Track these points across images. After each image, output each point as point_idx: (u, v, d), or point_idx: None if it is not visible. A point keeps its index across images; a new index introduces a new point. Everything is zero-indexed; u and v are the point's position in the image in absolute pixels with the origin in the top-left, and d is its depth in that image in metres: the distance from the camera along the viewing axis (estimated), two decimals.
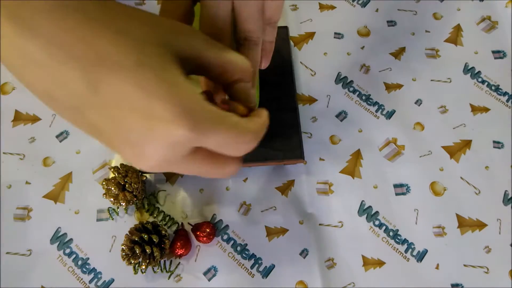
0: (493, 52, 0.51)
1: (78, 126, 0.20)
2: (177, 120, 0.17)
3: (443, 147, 0.46)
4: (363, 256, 0.42)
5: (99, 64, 0.17)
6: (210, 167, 0.22)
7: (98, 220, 0.43)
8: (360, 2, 0.54)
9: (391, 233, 0.43)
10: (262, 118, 0.24)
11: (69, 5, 0.17)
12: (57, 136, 0.46)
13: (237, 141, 0.20)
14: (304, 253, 0.42)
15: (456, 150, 0.46)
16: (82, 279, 0.41)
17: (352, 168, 0.45)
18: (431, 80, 0.50)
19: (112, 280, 0.41)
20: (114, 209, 0.43)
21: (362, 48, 0.51)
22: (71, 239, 0.42)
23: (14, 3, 0.16)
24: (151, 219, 0.43)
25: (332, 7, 0.54)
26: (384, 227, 0.43)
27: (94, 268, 0.41)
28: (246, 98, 0.24)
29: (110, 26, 0.17)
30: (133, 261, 0.38)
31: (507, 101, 0.49)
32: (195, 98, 0.18)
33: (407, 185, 0.44)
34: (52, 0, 0.16)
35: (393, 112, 0.48)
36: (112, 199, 0.40)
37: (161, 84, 0.17)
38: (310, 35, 0.52)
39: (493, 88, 0.49)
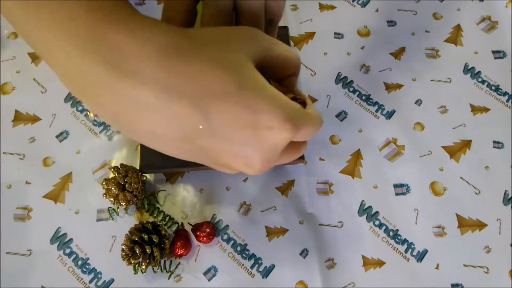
0: (493, 52, 0.51)
1: (181, 154, 0.22)
2: (282, 126, 0.20)
3: (443, 147, 0.46)
4: (363, 256, 0.42)
5: (207, 96, 0.18)
6: (292, 154, 0.24)
7: (98, 220, 0.43)
8: (360, 2, 0.54)
9: (391, 233, 0.43)
10: (307, 99, 0.26)
11: (168, 46, 0.18)
12: (57, 136, 0.46)
13: (317, 129, 0.23)
14: (304, 253, 0.42)
15: (456, 150, 0.46)
16: (82, 279, 0.41)
17: (352, 168, 0.45)
18: (431, 80, 0.50)
19: (112, 280, 0.41)
20: (114, 209, 0.43)
21: (362, 48, 0.51)
22: (71, 239, 0.42)
23: (118, 55, 0.17)
24: (151, 219, 0.43)
25: (332, 7, 0.54)
26: (384, 227, 0.43)
27: (94, 268, 0.41)
28: (293, 89, 0.26)
29: (204, 58, 0.19)
30: (133, 261, 0.38)
31: (507, 101, 0.49)
32: (289, 103, 0.20)
33: (407, 185, 0.44)
34: (151, 46, 0.18)
35: (393, 112, 0.48)
36: (112, 199, 0.40)
37: (262, 99, 0.19)
38: (310, 35, 0.52)
39: (493, 88, 0.49)
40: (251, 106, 0.19)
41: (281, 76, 0.25)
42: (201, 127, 0.19)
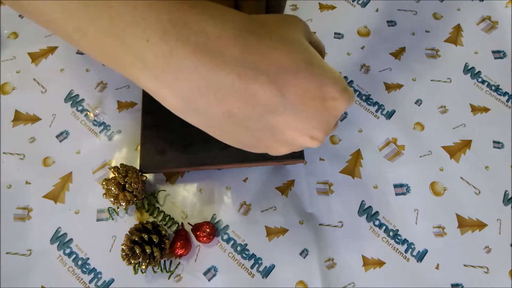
0: (493, 52, 0.51)
1: (245, 136, 0.23)
2: (344, 96, 0.21)
3: (443, 147, 0.46)
4: (363, 256, 0.42)
5: (281, 72, 0.20)
6: (335, 127, 0.26)
7: (98, 220, 0.43)
8: (360, 2, 0.54)
9: (391, 233, 0.43)
10: None
11: (243, 27, 0.19)
12: (57, 136, 0.46)
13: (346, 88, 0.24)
14: (304, 253, 0.42)
15: (456, 150, 0.46)
16: (82, 279, 0.41)
17: (352, 168, 0.45)
18: (431, 80, 0.50)
19: (112, 280, 0.41)
20: (114, 209, 0.43)
21: (362, 48, 0.51)
22: (71, 239, 0.42)
23: (202, 37, 0.18)
24: (151, 219, 0.43)
25: (332, 7, 0.54)
26: (384, 227, 0.43)
27: (94, 268, 0.41)
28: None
29: (272, 37, 0.20)
30: (133, 261, 0.38)
31: (507, 101, 0.49)
32: (339, 75, 0.22)
33: (407, 185, 0.44)
34: (230, 28, 0.19)
35: (393, 112, 0.48)
36: (112, 199, 0.40)
37: (326, 73, 0.21)
38: None
39: (493, 88, 0.49)
40: (319, 80, 0.20)
41: None
42: (277, 101, 0.20)
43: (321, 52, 0.27)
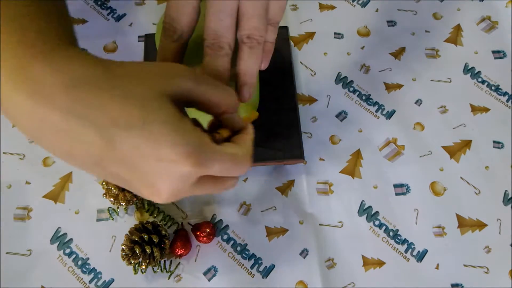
0: (493, 52, 0.51)
1: (102, 177, 0.24)
2: (182, 160, 0.21)
3: (443, 147, 0.46)
4: (363, 256, 0.42)
5: (113, 126, 0.20)
6: (213, 187, 0.26)
7: (98, 220, 0.43)
8: (360, 2, 0.54)
9: (391, 233, 0.43)
10: (249, 134, 0.27)
11: (80, 78, 0.20)
12: None
13: (234, 168, 0.24)
14: (304, 253, 0.42)
15: (456, 150, 0.46)
16: (82, 279, 0.41)
17: (352, 168, 0.45)
18: (431, 80, 0.50)
19: (112, 280, 0.41)
20: (114, 209, 0.43)
21: (362, 48, 0.51)
22: (71, 239, 0.42)
23: (37, 84, 0.19)
24: (151, 219, 0.43)
25: (332, 7, 0.54)
26: (384, 227, 0.43)
27: (94, 268, 0.41)
28: (233, 125, 0.27)
29: (115, 91, 0.21)
30: (133, 261, 0.38)
31: (507, 101, 0.49)
32: (195, 138, 0.22)
33: (407, 185, 0.44)
34: (64, 77, 0.20)
35: (393, 112, 0.48)
36: (112, 199, 0.40)
37: (167, 133, 0.21)
38: (310, 35, 0.52)
39: (493, 88, 0.49)
40: (154, 139, 0.21)
41: (212, 113, 0.26)
42: (108, 153, 0.21)
43: (212, 107, 0.25)
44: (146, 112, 0.21)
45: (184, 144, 0.21)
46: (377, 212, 0.43)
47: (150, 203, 0.43)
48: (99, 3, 0.54)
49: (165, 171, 0.21)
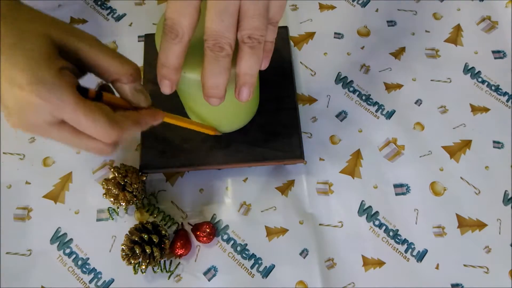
0: (493, 52, 0.51)
1: None
2: (29, 87, 0.23)
3: (443, 147, 0.46)
4: (363, 256, 0.42)
5: None
6: (72, 139, 0.27)
7: (98, 220, 0.43)
8: (360, 2, 0.54)
9: (391, 233, 0.43)
10: (140, 116, 0.29)
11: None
12: None
13: (89, 127, 0.26)
14: (304, 253, 0.42)
15: (456, 150, 0.46)
16: (82, 279, 0.41)
17: (352, 168, 0.45)
18: (431, 80, 0.50)
19: (112, 280, 0.41)
20: (114, 209, 0.43)
21: (362, 48, 0.51)
22: (71, 239, 0.42)
23: None
24: (151, 219, 0.43)
25: (332, 7, 0.54)
26: (384, 227, 0.43)
27: (94, 268, 0.41)
28: (126, 96, 0.29)
29: (7, 18, 0.24)
30: (133, 261, 0.38)
31: (507, 101, 0.49)
32: (52, 74, 0.24)
33: (407, 185, 0.44)
34: None
35: (393, 112, 0.48)
36: (112, 199, 0.40)
37: (25, 61, 0.23)
38: (310, 35, 0.52)
39: (493, 88, 0.49)
40: (13, 63, 0.23)
41: (105, 80, 0.29)
42: None
43: (90, 67, 0.28)
44: (18, 39, 0.23)
45: (37, 74, 0.23)
46: (377, 212, 0.43)
47: (150, 203, 0.43)
48: (99, 3, 0.54)
49: (15, 96, 0.24)
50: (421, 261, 0.42)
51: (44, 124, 0.25)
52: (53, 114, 0.25)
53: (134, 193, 0.40)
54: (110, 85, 0.30)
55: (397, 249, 0.42)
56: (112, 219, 0.43)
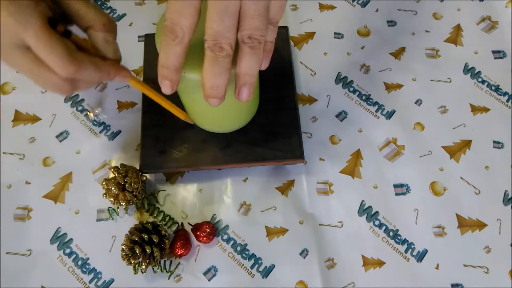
0: (493, 52, 0.51)
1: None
2: (3, 2, 0.25)
3: (443, 147, 0.46)
4: (363, 256, 0.42)
5: None
6: (33, 68, 0.28)
7: (98, 220, 0.43)
8: (360, 2, 0.54)
9: (391, 233, 0.43)
10: (98, 61, 0.30)
11: None
12: (57, 136, 0.46)
13: (46, 55, 0.27)
14: (304, 253, 0.42)
15: (456, 150, 0.46)
16: (82, 279, 0.41)
17: (352, 168, 0.45)
18: (431, 80, 0.50)
19: (112, 280, 0.41)
20: (114, 209, 0.43)
21: (362, 48, 0.51)
22: (71, 239, 0.42)
23: None
24: (151, 219, 0.43)
25: (332, 7, 0.54)
26: (384, 227, 0.43)
27: (94, 268, 0.41)
28: (97, 44, 0.31)
29: None
30: (133, 261, 0.38)
31: (507, 101, 0.49)
32: (27, 5, 0.26)
33: (407, 185, 0.44)
34: None
35: (393, 112, 0.48)
36: (112, 199, 0.40)
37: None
38: (310, 35, 0.52)
39: (493, 88, 0.49)
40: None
41: (81, 27, 0.31)
42: None
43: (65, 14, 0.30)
44: None
45: (13, 3, 0.25)
46: (377, 212, 0.43)
47: (150, 203, 0.43)
48: (99, 3, 0.54)
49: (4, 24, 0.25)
50: (421, 261, 0.42)
51: (10, 44, 0.26)
52: (18, 35, 0.26)
53: (134, 193, 0.40)
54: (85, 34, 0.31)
55: (397, 249, 0.42)
56: (112, 219, 0.43)
